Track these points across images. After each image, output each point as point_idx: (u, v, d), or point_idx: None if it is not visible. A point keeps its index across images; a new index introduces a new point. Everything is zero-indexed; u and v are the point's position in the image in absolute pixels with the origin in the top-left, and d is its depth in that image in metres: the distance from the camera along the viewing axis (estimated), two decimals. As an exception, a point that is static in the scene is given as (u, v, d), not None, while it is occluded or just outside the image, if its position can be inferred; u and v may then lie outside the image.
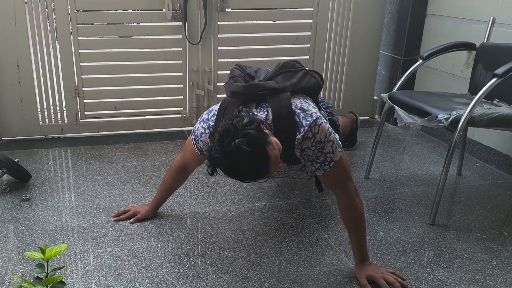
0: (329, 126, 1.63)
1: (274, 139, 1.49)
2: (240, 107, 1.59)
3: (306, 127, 1.56)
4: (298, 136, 1.58)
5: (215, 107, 1.76)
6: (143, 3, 2.89)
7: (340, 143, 1.65)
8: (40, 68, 2.85)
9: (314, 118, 1.58)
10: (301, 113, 1.59)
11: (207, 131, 1.73)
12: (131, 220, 2.04)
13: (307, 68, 1.81)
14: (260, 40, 3.14)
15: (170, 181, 2.04)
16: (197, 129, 1.79)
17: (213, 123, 1.70)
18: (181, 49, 3.01)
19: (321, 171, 1.65)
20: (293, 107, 1.60)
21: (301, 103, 1.63)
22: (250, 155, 1.37)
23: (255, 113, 1.61)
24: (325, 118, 2.01)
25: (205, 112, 1.79)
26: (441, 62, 2.94)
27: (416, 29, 3.20)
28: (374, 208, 2.23)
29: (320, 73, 1.85)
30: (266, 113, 1.61)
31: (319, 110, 1.83)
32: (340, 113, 2.96)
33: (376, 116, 3.55)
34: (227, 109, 1.67)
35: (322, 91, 3.32)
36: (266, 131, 1.49)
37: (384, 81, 3.49)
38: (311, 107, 1.64)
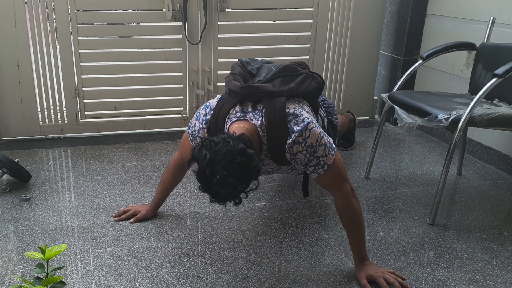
0: (321, 130, 1.63)
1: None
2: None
3: (297, 133, 1.58)
4: (289, 141, 1.59)
5: (212, 102, 1.75)
6: (143, 3, 2.89)
7: (334, 146, 1.66)
8: (40, 68, 2.85)
9: (305, 123, 1.59)
10: (293, 119, 1.60)
11: (205, 126, 1.73)
12: (131, 220, 2.04)
13: (309, 71, 1.81)
14: (260, 40, 3.14)
15: (169, 180, 2.04)
16: (194, 125, 1.78)
17: (210, 118, 1.71)
18: (181, 49, 3.01)
19: (316, 174, 1.65)
20: (287, 114, 1.61)
21: (294, 108, 1.63)
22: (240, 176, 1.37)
23: (251, 116, 1.62)
24: (323, 119, 2.00)
25: (202, 107, 1.78)
26: (441, 62, 2.94)
27: (416, 29, 3.20)
28: (374, 208, 2.23)
29: (321, 75, 1.85)
30: (261, 118, 1.62)
31: (317, 112, 1.84)
32: (339, 113, 2.96)
33: (376, 116, 3.55)
34: (223, 106, 1.67)
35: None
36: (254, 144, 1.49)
37: (384, 81, 3.49)
38: (304, 112, 1.65)
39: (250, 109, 1.64)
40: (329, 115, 2.18)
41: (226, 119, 1.65)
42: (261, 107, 1.63)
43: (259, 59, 1.92)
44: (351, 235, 1.73)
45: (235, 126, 1.60)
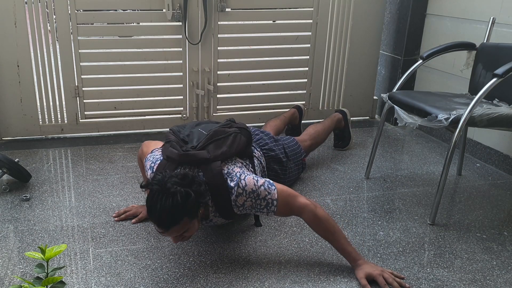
0: (254, 176, 1.76)
1: (196, 222, 1.67)
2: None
3: (235, 187, 1.72)
4: (232, 197, 1.73)
5: (155, 156, 1.90)
6: (143, 3, 2.89)
7: (270, 181, 1.76)
8: (40, 68, 2.85)
9: (238, 176, 1.74)
10: (228, 178, 1.75)
11: (151, 175, 1.85)
12: (133, 220, 2.04)
13: (236, 128, 1.94)
14: (260, 40, 3.14)
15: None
16: (146, 165, 1.93)
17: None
18: (181, 49, 3.01)
19: (271, 212, 1.75)
20: (223, 174, 1.75)
21: (228, 168, 1.78)
22: (173, 206, 1.55)
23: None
24: (260, 160, 2.14)
25: (150, 158, 1.92)
26: (441, 62, 2.94)
27: (416, 29, 3.21)
28: (374, 208, 2.23)
29: (245, 125, 1.99)
30: (206, 192, 1.72)
31: (252, 157, 1.99)
32: (325, 117, 2.91)
33: (376, 116, 3.55)
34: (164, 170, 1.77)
35: (320, 90, 3.33)
36: (201, 211, 1.69)
37: (384, 81, 3.49)
38: (236, 168, 1.80)
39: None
40: (269, 151, 2.25)
41: None
42: (200, 172, 1.76)
43: (188, 124, 2.07)
44: (333, 242, 1.75)
45: None
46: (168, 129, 2.01)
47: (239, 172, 1.77)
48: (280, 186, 1.76)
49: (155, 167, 1.85)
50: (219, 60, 3.09)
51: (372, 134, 3.21)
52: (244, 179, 1.73)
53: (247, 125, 2.04)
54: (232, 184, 1.73)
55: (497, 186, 2.49)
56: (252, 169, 1.95)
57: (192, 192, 1.59)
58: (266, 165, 2.21)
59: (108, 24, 2.99)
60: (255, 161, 2.05)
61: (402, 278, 1.71)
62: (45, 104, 2.93)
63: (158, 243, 1.91)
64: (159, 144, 2.03)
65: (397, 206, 2.26)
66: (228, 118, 2.03)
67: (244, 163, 1.90)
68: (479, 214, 2.20)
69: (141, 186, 1.66)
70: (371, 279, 1.68)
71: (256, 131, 2.36)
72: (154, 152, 1.95)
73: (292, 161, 2.34)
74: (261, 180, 1.74)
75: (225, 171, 1.77)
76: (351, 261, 1.74)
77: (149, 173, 1.88)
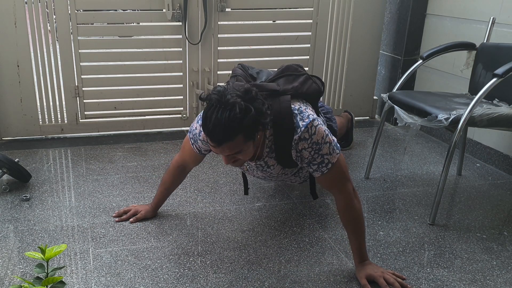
0: (326, 128, 1.66)
1: (251, 145, 1.55)
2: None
3: (303, 128, 1.60)
4: (295, 137, 1.61)
5: None
6: (143, 3, 2.89)
7: (338, 145, 1.67)
8: (40, 68, 2.85)
9: (311, 119, 1.62)
10: (298, 115, 1.63)
11: None
12: (131, 219, 2.04)
13: (308, 74, 1.83)
14: (260, 40, 3.14)
15: (169, 181, 2.04)
16: (195, 128, 1.80)
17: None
18: (181, 49, 3.01)
19: (319, 172, 1.66)
20: (293, 110, 1.64)
21: (300, 106, 1.66)
22: (229, 119, 1.43)
23: None
24: (323, 122, 2.01)
25: (203, 110, 1.79)
26: (441, 62, 2.94)
27: (416, 29, 3.20)
28: (374, 208, 2.23)
29: (321, 79, 1.87)
30: (269, 116, 1.61)
31: (318, 115, 1.84)
32: (338, 113, 2.96)
33: (376, 116, 3.55)
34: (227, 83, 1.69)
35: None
36: (259, 135, 1.56)
37: (384, 81, 3.49)
38: (309, 110, 1.68)
39: None
40: (328, 121, 2.19)
41: None
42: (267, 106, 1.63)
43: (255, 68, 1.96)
44: (352, 236, 1.72)
45: None
46: (235, 66, 1.87)
47: (313, 116, 1.63)
48: (342, 156, 1.67)
49: None
50: (219, 60, 3.09)
51: (372, 134, 3.21)
52: (316, 126, 1.61)
53: None
54: (301, 123, 1.60)
55: (497, 186, 2.49)
56: None
57: (253, 108, 1.46)
58: None
59: (108, 24, 2.99)
60: None
61: (404, 279, 1.71)
62: (45, 104, 2.93)
63: (158, 243, 1.91)
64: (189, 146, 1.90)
65: (397, 206, 2.26)
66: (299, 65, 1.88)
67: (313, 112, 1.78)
68: (479, 214, 2.20)
69: (200, 98, 1.52)
70: (371, 280, 1.68)
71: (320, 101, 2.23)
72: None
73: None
74: (330, 137, 1.64)
75: (297, 107, 1.65)
76: (358, 260, 1.73)
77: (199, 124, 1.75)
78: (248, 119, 1.46)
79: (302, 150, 1.62)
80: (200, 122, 1.76)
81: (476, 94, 1.99)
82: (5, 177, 2.38)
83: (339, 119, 2.71)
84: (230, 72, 3.07)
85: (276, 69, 1.82)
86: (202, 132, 1.74)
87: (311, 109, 1.72)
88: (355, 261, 1.74)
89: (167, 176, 2.04)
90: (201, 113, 1.77)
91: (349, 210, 1.69)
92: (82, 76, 2.92)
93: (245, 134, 1.49)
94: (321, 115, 2.05)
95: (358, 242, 1.72)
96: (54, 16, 2.79)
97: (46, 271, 1.49)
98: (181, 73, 3.06)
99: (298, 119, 1.62)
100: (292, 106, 1.65)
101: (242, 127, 1.46)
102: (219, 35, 3.03)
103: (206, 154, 1.90)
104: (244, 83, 1.59)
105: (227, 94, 1.45)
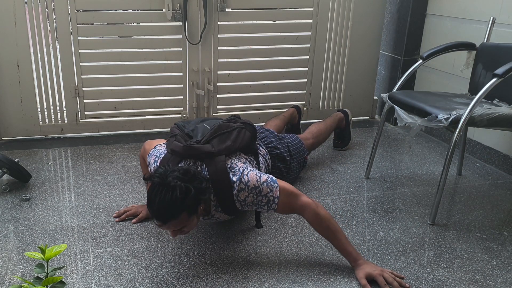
0: (257, 172, 1.76)
1: (195, 218, 1.67)
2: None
3: (237, 181, 1.72)
4: (234, 192, 1.73)
5: (159, 151, 1.92)
6: (143, 3, 2.89)
7: (273, 178, 1.76)
8: (40, 68, 2.85)
9: (241, 171, 1.75)
10: (230, 172, 1.76)
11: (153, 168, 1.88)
12: (133, 220, 2.04)
13: (240, 123, 1.95)
14: (260, 40, 3.14)
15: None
16: (149, 161, 1.94)
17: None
18: (181, 49, 3.01)
19: (271, 210, 1.75)
20: (227, 169, 1.76)
21: (231, 163, 1.79)
22: (171, 200, 1.55)
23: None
24: (265, 157, 2.13)
25: (154, 152, 1.93)
26: (441, 62, 2.94)
27: (416, 29, 3.21)
28: (374, 208, 2.23)
29: (251, 123, 1.99)
30: (209, 188, 1.72)
31: (256, 154, 2.00)
32: (327, 116, 2.91)
33: (376, 116, 3.55)
34: (167, 164, 1.77)
35: (320, 90, 3.33)
36: (201, 207, 1.68)
37: (384, 81, 3.49)
38: (240, 163, 1.80)
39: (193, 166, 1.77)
40: (273, 149, 2.25)
41: None
42: (204, 166, 1.77)
43: (193, 120, 2.08)
44: (334, 242, 1.75)
45: None
46: (172, 126, 2.02)
47: (242, 167, 1.77)
48: (282, 183, 1.76)
49: (159, 161, 1.86)
50: (219, 60, 3.09)
51: (372, 134, 3.21)
52: (247, 175, 1.73)
53: None
54: (234, 178, 1.73)
55: (497, 186, 2.49)
56: (256, 166, 1.95)
57: (193, 188, 1.59)
58: (271, 163, 2.21)
59: (108, 24, 2.99)
60: (260, 158, 2.05)
61: (402, 278, 1.71)
62: (45, 104, 2.93)
63: (158, 243, 1.91)
64: (162, 141, 2.04)
65: (397, 206, 2.26)
66: (233, 114, 2.03)
67: (249, 159, 1.91)
68: (479, 214, 2.20)
69: (144, 178, 1.67)
70: (371, 279, 1.68)
71: (261, 129, 2.36)
72: (157, 147, 1.96)
73: (296, 159, 2.35)
74: (264, 177, 1.74)
75: (228, 165, 1.77)
76: (351, 261, 1.74)
77: (152, 167, 1.89)
78: (189, 199, 1.58)
79: (246, 199, 1.74)
80: (151, 163, 1.92)
81: (476, 94, 1.99)
82: (5, 177, 2.38)
83: (323, 124, 2.70)
84: (230, 72, 3.11)
85: (210, 128, 1.93)
86: (152, 166, 1.90)
87: (243, 160, 1.85)
88: (350, 263, 1.75)
89: (146, 170, 2.10)
90: (152, 153, 1.94)
91: (320, 220, 1.73)
92: (82, 76, 2.92)
93: (188, 211, 1.61)
94: (263, 148, 2.16)
95: (343, 245, 1.74)
96: (54, 16, 2.79)
97: (46, 271, 1.49)
98: (181, 73, 3.06)
99: (231, 176, 1.74)
100: (227, 165, 1.77)
101: (184, 206, 1.58)
102: (219, 35, 3.03)
103: None
104: (182, 166, 1.71)
105: (168, 176, 1.58)
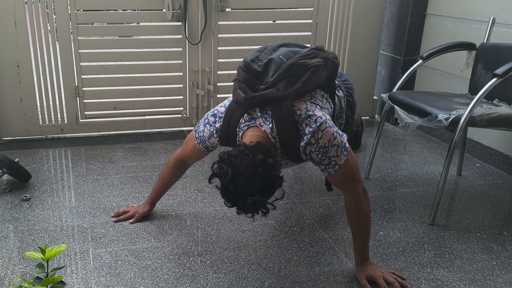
0: (335, 130, 1.61)
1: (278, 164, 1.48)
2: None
3: (309, 134, 1.57)
4: (302, 144, 1.59)
5: (220, 110, 1.76)
6: (143, 3, 2.89)
7: (347, 145, 1.63)
8: (40, 68, 2.85)
9: (317, 123, 1.58)
10: (304, 121, 1.59)
11: (215, 135, 1.75)
12: (131, 220, 2.04)
13: (320, 60, 1.70)
14: (260, 40, 3.13)
15: (168, 176, 2.04)
16: (203, 131, 1.79)
17: (221, 127, 1.72)
18: (181, 49, 3.01)
19: (326, 172, 1.65)
20: (296, 116, 1.60)
21: (306, 109, 1.61)
22: (255, 181, 1.39)
23: (260, 122, 1.62)
24: (341, 99, 1.93)
25: (210, 113, 1.79)
26: (441, 62, 2.94)
27: (416, 29, 3.20)
28: (374, 208, 2.23)
29: (335, 55, 1.76)
30: (270, 124, 1.61)
31: (333, 94, 1.80)
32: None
33: (376, 116, 3.55)
34: (232, 116, 1.69)
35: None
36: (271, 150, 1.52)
37: (384, 81, 3.49)
38: (317, 110, 1.62)
39: (258, 114, 1.64)
40: (349, 96, 2.08)
41: (237, 129, 1.67)
42: (270, 113, 1.61)
43: (270, 45, 1.81)
44: (357, 235, 1.72)
45: (248, 135, 1.61)
46: (240, 63, 1.77)
47: (321, 118, 1.59)
48: (352, 156, 1.64)
49: (224, 112, 1.72)
50: (219, 60, 3.09)
51: (372, 134, 3.21)
52: (323, 131, 1.57)
53: None
54: (307, 130, 1.57)
55: (497, 186, 2.49)
56: (332, 106, 1.80)
57: (258, 161, 1.41)
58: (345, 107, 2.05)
59: (108, 24, 2.99)
60: (336, 98, 1.87)
61: (404, 279, 1.71)
62: (45, 104, 2.93)
63: (158, 243, 1.91)
64: (194, 149, 1.88)
65: (397, 206, 2.26)
66: (316, 45, 1.78)
67: (325, 96, 1.74)
68: (479, 214, 2.20)
69: (210, 181, 1.50)
70: (371, 280, 1.68)
71: (344, 75, 2.15)
72: (216, 107, 1.79)
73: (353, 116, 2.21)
74: (339, 139, 1.60)
75: (302, 112, 1.60)
76: (359, 260, 1.73)
77: (216, 124, 1.74)
78: (263, 167, 1.41)
79: (311, 153, 1.61)
80: (208, 126, 1.77)
81: (476, 94, 1.99)
82: (5, 177, 2.38)
83: (357, 115, 2.58)
84: (230, 72, 3.11)
85: (286, 59, 1.70)
86: (213, 137, 1.76)
87: (320, 104, 1.67)
88: (356, 261, 1.74)
89: (167, 170, 2.04)
90: (208, 115, 1.78)
91: (357, 210, 1.68)
92: (82, 76, 2.92)
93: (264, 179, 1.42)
94: (341, 90, 1.97)
95: (361, 242, 1.72)
96: (54, 16, 2.78)
97: (46, 271, 1.49)
98: (181, 73, 3.06)
99: (304, 126, 1.58)
100: (298, 111, 1.60)
101: (261, 176, 1.41)
102: (219, 35, 3.03)
103: (212, 150, 1.90)
104: (230, 152, 1.48)
105: (234, 165, 1.41)
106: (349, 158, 1.63)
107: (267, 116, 1.62)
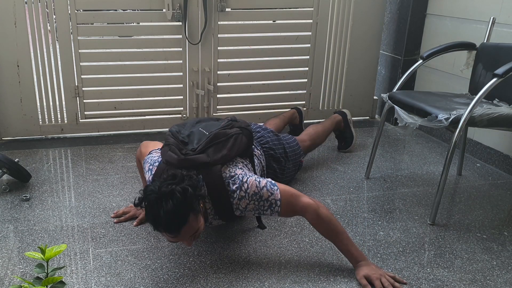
0: (256, 177, 1.74)
1: (201, 218, 1.66)
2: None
3: (237, 190, 1.71)
4: (234, 201, 1.72)
5: (153, 158, 1.89)
6: (143, 3, 2.89)
7: (272, 181, 1.74)
8: (40, 68, 2.85)
9: (240, 179, 1.72)
10: (230, 181, 1.73)
11: (150, 177, 1.85)
12: (135, 223, 2.04)
13: (237, 129, 1.90)
14: (260, 40, 3.14)
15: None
16: (144, 167, 1.93)
17: (151, 180, 1.80)
18: (181, 49, 3.01)
19: (275, 213, 1.73)
20: (224, 179, 1.73)
21: (229, 171, 1.76)
22: (175, 205, 1.53)
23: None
24: (260, 159, 2.13)
25: (147, 160, 1.91)
26: (441, 62, 2.94)
27: (416, 29, 3.21)
28: (374, 208, 2.23)
29: (246, 124, 1.96)
30: (203, 187, 1.72)
31: (252, 157, 1.98)
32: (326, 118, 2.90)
33: (376, 116, 3.55)
34: (161, 176, 1.75)
35: (320, 90, 3.33)
36: (201, 205, 1.69)
37: (384, 81, 3.49)
38: (238, 170, 1.78)
39: None
40: (269, 150, 2.24)
41: None
42: (200, 176, 1.73)
43: (189, 121, 2.03)
44: (336, 242, 1.75)
45: None
46: (167, 133, 1.97)
47: (241, 174, 1.75)
48: (282, 186, 1.75)
49: (153, 169, 1.84)
50: (219, 60, 3.09)
51: (372, 134, 3.21)
52: (246, 182, 1.71)
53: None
54: (234, 187, 1.71)
55: (497, 186, 2.49)
56: (252, 168, 1.94)
57: (188, 186, 1.58)
58: (265, 163, 2.20)
59: (108, 24, 2.99)
60: (255, 160, 2.04)
61: (404, 284, 1.70)
62: (45, 104, 2.93)
63: (158, 243, 1.91)
64: (158, 145, 2.02)
65: (397, 206, 2.26)
66: (230, 117, 2.00)
67: (245, 163, 1.89)
68: (479, 214, 2.20)
69: (135, 205, 1.62)
70: (370, 281, 1.68)
71: (258, 128, 2.35)
72: (152, 153, 1.94)
73: (291, 161, 2.34)
74: (263, 181, 1.73)
75: (226, 174, 1.75)
76: (353, 262, 1.73)
77: (147, 175, 1.87)
78: (189, 197, 1.57)
79: (247, 206, 1.72)
80: (146, 169, 1.89)
81: (476, 94, 1.99)
82: (5, 177, 2.38)
83: (321, 126, 2.69)
84: (230, 72, 3.11)
85: (207, 133, 1.87)
86: (147, 175, 1.87)
87: (240, 166, 1.82)
88: (352, 264, 1.75)
89: (140, 167, 2.10)
90: (147, 159, 1.91)
91: (321, 221, 1.72)
92: (82, 76, 2.92)
93: (193, 211, 1.60)
94: (258, 150, 2.15)
95: (345, 245, 1.73)
96: (54, 16, 2.79)
97: (46, 271, 1.49)
98: (181, 73, 3.06)
99: (231, 185, 1.72)
100: (223, 174, 1.74)
101: (188, 206, 1.57)
102: (219, 35, 3.03)
103: None
104: (168, 173, 1.67)
105: (160, 188, 1.56)
106: (281, 188, 1.73)
107: (197, 179, 1.73)
